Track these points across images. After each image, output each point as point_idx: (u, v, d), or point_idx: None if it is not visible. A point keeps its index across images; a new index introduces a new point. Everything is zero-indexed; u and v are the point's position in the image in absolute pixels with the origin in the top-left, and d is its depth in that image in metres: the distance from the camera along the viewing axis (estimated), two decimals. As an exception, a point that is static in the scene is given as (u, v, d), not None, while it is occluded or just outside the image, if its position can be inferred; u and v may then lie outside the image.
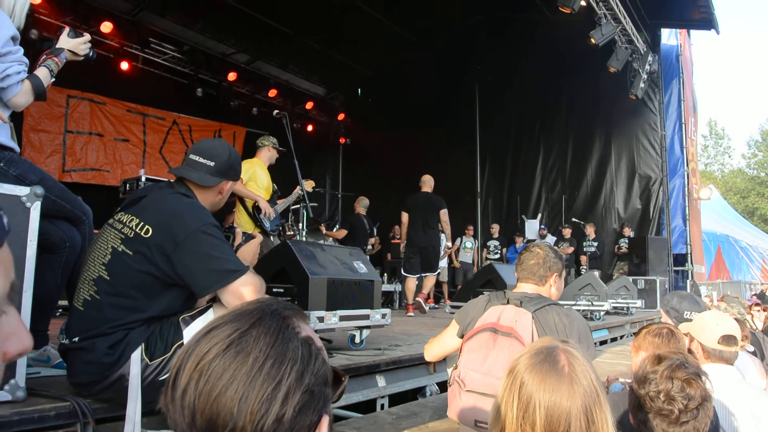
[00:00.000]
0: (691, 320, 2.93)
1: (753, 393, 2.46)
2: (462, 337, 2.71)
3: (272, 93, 13.49)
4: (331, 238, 10.01)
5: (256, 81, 13.35)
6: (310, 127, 14.76)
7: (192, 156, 2.38)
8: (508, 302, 2.58)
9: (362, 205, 9.92)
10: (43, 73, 2.59)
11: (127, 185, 7.12)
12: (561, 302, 2.74)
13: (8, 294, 0.56)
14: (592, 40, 9.40)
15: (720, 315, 2.80)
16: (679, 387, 1.72)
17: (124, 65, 10.67)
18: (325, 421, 0.74)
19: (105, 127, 10.83)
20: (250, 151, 12.78)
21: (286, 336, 0.73)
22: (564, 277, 2.79)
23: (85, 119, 10.52)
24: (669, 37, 12.28)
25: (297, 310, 0.80)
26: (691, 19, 11.31)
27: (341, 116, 15.62)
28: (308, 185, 6.33)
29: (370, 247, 11.97)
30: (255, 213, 5.95)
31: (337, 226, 11.02)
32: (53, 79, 2.63)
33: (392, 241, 11.54)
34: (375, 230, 12.96)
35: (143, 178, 6.95)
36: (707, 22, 10.83)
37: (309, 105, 14.59)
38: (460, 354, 2.59)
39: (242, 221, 5.99)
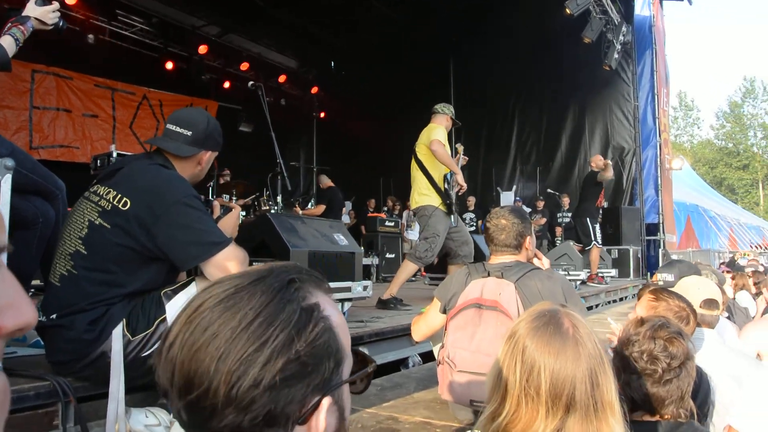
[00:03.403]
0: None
1: (734, 356, 2.50)
2: (445, 312, 2.69)
3: (244, 66, 13.25)
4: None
5: (228, 54, 13.08)
6: (282, 101, 14.55)
7: (169, 126, 2.31)
8: (488, 275, 2.54)
9: (328, 177, 9.93)
10: (7, 42, 2.47)
11: (98, 161, 6.93)
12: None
13: None
14: (567, 11, 9.35)
15: (702, 280, 2.83)
16: (661, 346, 1.74)
17: (91, 38, 10.34)
18: (326, 403, 0.68)
19: (73, 103, 10.54)
20: (222, 126, 12.65)
21: (284, 297, 0.67)
22: (533, 230, 2.76)
23: (51, 94, 10.22)
24: (642, 7, 12.29)
25: (314, 277, 0.74)
26: (665, -10, 11.35)
27: (315, 90, 15.44)
28: (462, 159, 6.02)
29: (347, 219, 11.91)
30: (447, 186, 5.32)
31: (312, 202, 10.94)
32: (20, 45, 2.51)
33: (368, 215, 11.49)
34: (350, 204, 12.93)
35: (114, 154, 6.77)
36: (680, -8, 10.88)
37: (282, 78, 14.36)
38: (446, 332, 2.56)
39: (425, 199, 5.33)
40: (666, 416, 1.70)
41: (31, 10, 2.57)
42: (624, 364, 1.79)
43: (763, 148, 47.32)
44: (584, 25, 10.16)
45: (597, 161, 9.18)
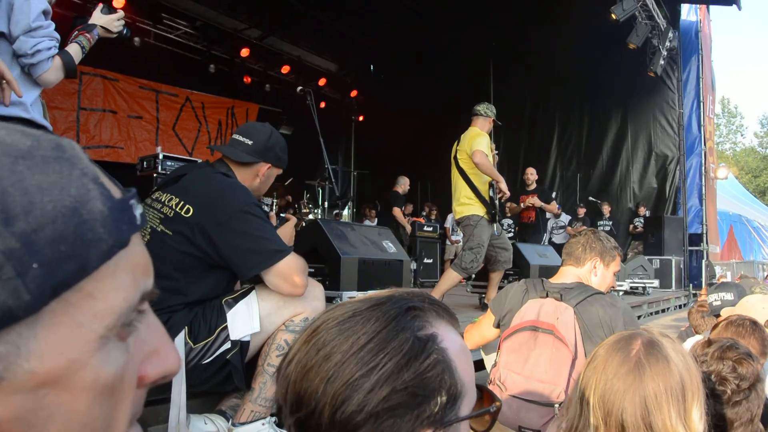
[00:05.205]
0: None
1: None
2: (498, 326, 2.62)
3: (285, 69, 13.35)
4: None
5: (269, 57, 13.21)
6: (322, 104, 14.63)
7: (234, 135, 2.35)
8: (547, 295, 2.42)
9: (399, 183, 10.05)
10: (74, 50, 2.53)
11: (144, 163, 7.06)
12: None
13: (140, 304, 0.43)
14: (613, 16, 9.19)
15: (766, 298, 2.75)
16: (730, 367, 1.70)
17: (137, 41, 10.54)
18: None
19: (118, 104, 10.79)
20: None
21: (399, 325, 0.65)
22: (613, 269, 2.57)
23: (98, 96, 10.47)
24: (689, 12, 12.03)
25: (438, 307, 0.71)
26: (713, -5, 11.10)
27: (354, 93, 15.48)
28: (495, 156, 5.75)
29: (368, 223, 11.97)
30: (492, 194, 5.25)
31: (350, 206, 11.01)
32: (85, 53, 2.57)
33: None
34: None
35: (161, 156, 6.89)
36: (729, -3, 10.60)
37: (322, 82, 14.40)
38: (500, 351, 2.47)
39: (469, 208, 5.24)
40: (733, 439, 1.66)
41: (97, 18, 2.62)
42: None
43: (810, 157, 45.98)
44: (629, 30, 9.98)
45: (529, 174, 9.23)
